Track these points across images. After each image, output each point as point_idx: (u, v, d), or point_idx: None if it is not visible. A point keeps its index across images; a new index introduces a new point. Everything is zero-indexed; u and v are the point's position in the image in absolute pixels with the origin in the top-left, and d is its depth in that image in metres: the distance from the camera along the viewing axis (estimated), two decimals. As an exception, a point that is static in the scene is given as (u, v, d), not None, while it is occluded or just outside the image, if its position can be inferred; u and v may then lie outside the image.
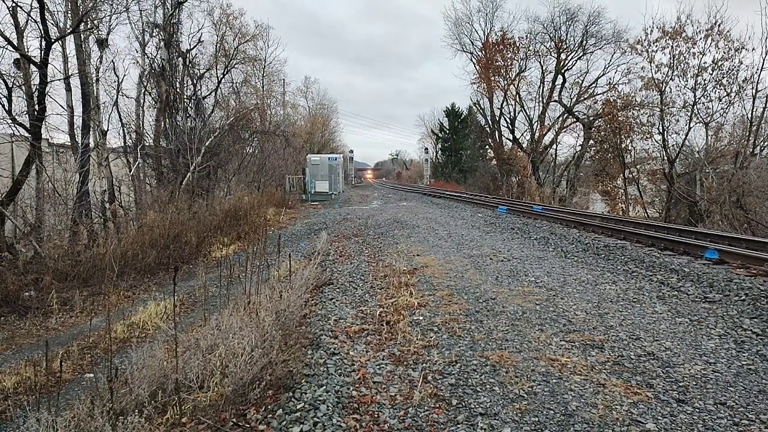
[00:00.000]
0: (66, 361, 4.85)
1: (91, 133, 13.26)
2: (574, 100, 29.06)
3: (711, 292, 5.52)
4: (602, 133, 27.20)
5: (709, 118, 20.14)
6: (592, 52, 28.49)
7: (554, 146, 31.12)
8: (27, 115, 10.01)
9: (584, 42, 28.43)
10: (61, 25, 12.67)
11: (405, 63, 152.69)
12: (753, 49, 19.18)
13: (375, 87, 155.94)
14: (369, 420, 2.90)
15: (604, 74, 28.07)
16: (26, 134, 9.81)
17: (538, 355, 3.75)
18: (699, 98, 20.19)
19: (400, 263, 7.36)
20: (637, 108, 24.10)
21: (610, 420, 2.81)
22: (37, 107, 9.67)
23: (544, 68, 30.04)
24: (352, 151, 53.67)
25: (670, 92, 21.45)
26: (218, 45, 20.54)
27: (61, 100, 13.17)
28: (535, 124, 30.39)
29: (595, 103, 28.19)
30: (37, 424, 2.71)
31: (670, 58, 21.09)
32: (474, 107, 37.33)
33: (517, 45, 30.30)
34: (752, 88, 18.36)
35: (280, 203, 18.70)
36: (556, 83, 29.68)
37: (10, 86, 10.05)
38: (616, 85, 26.96)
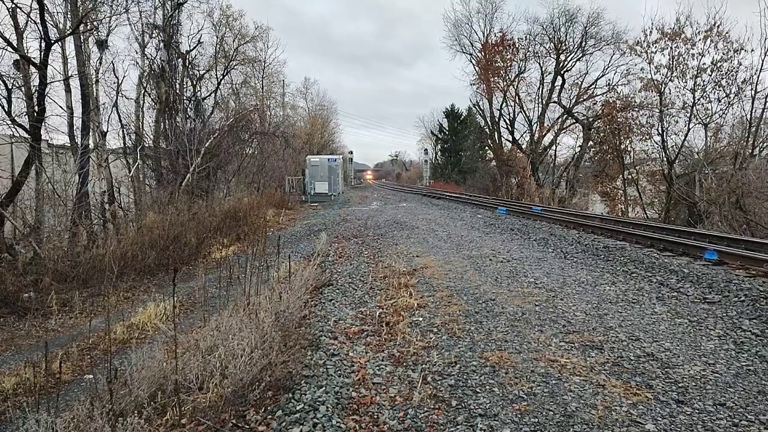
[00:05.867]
0: (65, 362, 4.85)
1: (90, 134, 13.25)
2: (573, 101, 29.11)
3: (710, 293, 5.52)
4: (601, 134, 27.23)
5: (708, 119, 20.16)
6: (592, 54, 28.58)
7: (554, 147, 31.20)
8: (27, 116, 10.01)
9: (583, 43, 28.50)
10: (61, 26, 12.67)
11: (396, 62, 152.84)
12: (752, 50, 19.11)
13: (366, 87, 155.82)
14: (368, 421, 2.90)
15: (603, 75, 28.16)
16: (26, 135, 9.81)
17: (538, 356, 3.75)
18: (698, 99, 20.21)
19: (399, 264, 7.36)
20: (636, 109, 24.12)
21: (610, 421, 2.81)
22: (36, 108, 9.66)
23: (543, 69, 30.14)
24: (351, 152, 53.81)
25: (669, 93, 21.48)
26: (218, 46, 20.58)
27: (60, 101, 13.18)
28: (535, 125, 30.45)
29: (595, 104, 28.27)
30: (36, 426, 2.71)
31: (669, 60, 21.12)
32: (473, 108, 37.43)
33: (517, 46, 30.37)
34: (751, 89, 18.37)
35: (279, 204, 18.70)
36: (556, 84, 29.75)
37: (10, 87, 10.06)
38: (615, 86, 27.03)
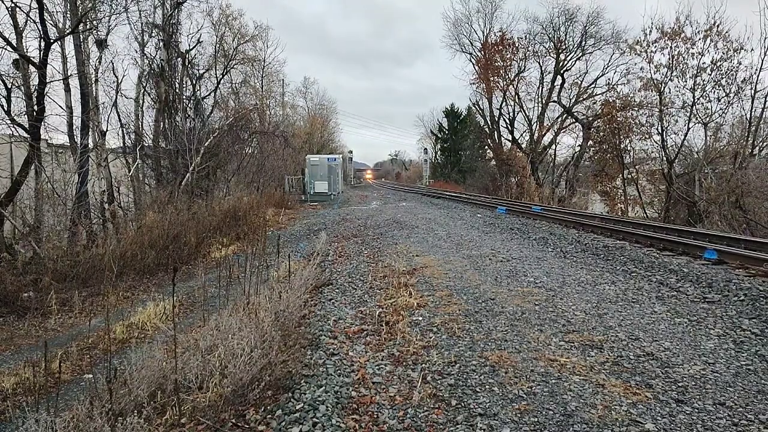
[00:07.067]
0: (65, 362, 4.85)
1: (90, 133, 13.25)
2: (573, 100, 29.08)
3: (710, 292, 5.52)
4: (601, 133, 27.20)
5: (708, 119, 20.12)
6: (591, 53, 28.53)
7: (553, 147, 31.17)
8: (26, 116, 10.01)
9: (583, 42, 28.47)
10: (60, 25, 12.66)
11: (396, 62, 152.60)
12: (752, 49, 19.08)
13: (365, 86, 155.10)
14: (368, 420, 2.90)
15: (603, 75, 28.10)
16: (25, 135, 9.81)
17: (537, 356, 3.75)
18: (698, 99, 20.16)
19: (399, 263, 7.36)
20: (636, 108, 24.07)
21: (610, 420, 2.81)
22: (36, 108, 9.66)
23: (543, 69, 30.10)
24: (351, 152, 53.73)
25: (669, 93, 21.41)
26: (217, 45, 20.54)
27: (60, 101, 13.17)
28: (534, 124, 30.42)
29: (594, 103, 28.20)
30: (36, 425, 2.70)
31: (669, 59, 21.06)
32: (473, 108, 37.40)
33: (516, 45, 30.33)
34: (751, 88, 18.31)
35: (279, 204, 18.69)
36: (555, 84, 29.72)
37: (9, 87, 10.06)
38: (615, 86, 26.98)
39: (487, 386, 3.27)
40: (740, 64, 19.05)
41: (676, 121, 21.33)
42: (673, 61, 20.93)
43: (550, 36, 29.18)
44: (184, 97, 18.16)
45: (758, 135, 18.53)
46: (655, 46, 21.66)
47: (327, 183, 24.85)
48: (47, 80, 9.83)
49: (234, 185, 20.19)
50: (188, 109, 18.27)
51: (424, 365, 3.66)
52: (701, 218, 17.21)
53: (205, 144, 16.37)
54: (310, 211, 18.84)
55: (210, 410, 3.06)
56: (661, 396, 3.11)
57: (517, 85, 30.59)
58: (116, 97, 15.28)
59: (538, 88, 30.27)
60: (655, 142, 22.42)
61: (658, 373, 3.46)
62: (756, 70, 17.98)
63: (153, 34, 17.24)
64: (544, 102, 29.87)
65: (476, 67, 32.52)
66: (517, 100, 30.84)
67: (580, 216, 13.90)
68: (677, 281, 6.06)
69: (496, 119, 32.74)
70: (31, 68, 10.35)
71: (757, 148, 18.76)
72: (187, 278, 8.78)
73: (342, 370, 3.57)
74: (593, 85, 28.52)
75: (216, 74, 20.32)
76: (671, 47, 21.02)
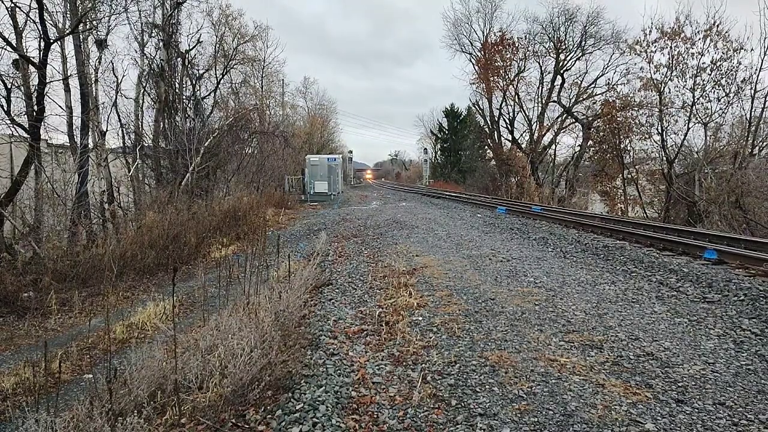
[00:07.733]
0: (65, 362, 4.85)
1: (90, 133, 13.25)
2: (573, 100, 29.08)
3: (710, 292, 5.52)
4: (601, 133, 27.22)
5: (707, 119, 20.12)
6: (591, 53, 28.53)
7: (553, 147, 31.17)
8: (26, 116, 10.01)
9: (583, 42, 28.47)
10: (60, 25, 12.66)
11: (395, 62, 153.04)
12: (751, 49, 19.06)
13: (365, 86, 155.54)
14: (368, 420, 2.90)
15: (603, 75, 28.10)
16: (25, 135, 9.81)
17: (537, 356, 3.75)
18: (698, 99, 20.16)
19: (399, 263, 7.36)
20: (635, 108, 24.08)
21: (609, 420, 2.81)
22: (35, 108, 9.66)
23: (543, 69, 30.11)
24: (351, 152, 53.78)
25: (669, 93, 21.42)
26: (217, 45, 20.52)
27: (60, 101, 13.16)
28: (534, 124, 30.42)
29: (594, 103, 28.20)
30: (36, 425, 2.70)
31: (669, 59, 21.06)
32: (473, 108, 37.40)
33: (516, 45, 30.34)
34: (751, 88, 18.31)
35: (279, 204, 18.69)
36: (555, 84, 29.72)
37: (9, 87, 10.06)
38: (614, 86, 26.99)
39: (487, 386, 3.27)
40: (740, 64, 19.07)
41: (676, 121, 21.36)
42: (673, 61, 20.95)
43: (550, 36, 29.21)
44: (183, 97, 18.16)
45: (758, 135, 18.53)
46: (655, 46, 21.69)
47: (327, 183, 24.86)
48: (47, 80, 9.82)
49: (234, 185, 20.19)
50: (188, 109, 18.27)
51: (424, 365, 3.66)
52: (701, 218, 17.21)
53: (205, 144, 16.37)
54: (310, 211, 18.84)
55: (210, 410, 3.06)
56: (661, 396, 3.11)
57: (517, 85, 30.62)
58: (116, 97, 15.30)
59: (538, 88, 30.32)
60: (655, 142, 22.44)
61: (658, 373, 3.46)
62: (756, 70, 18.00)
63: (153, 34, 17.25)
64: (544, 102, 29.88)
65: (476, 67, 32.56)
66: (517, 100, 30.87)
67: (580, 216, 13.89)
68: (677, 281, 6.06)
69: (496, 119, 32.77)
70: (31, 68, 10.35)
71: (757, 148, 18.76)
72: (187, 278, 8.78)
73: (342, 370, 3.57)
74: (593, 85, 28.56)
75: (216, 74, 20.32)
76: (671, 47, 21.04)
